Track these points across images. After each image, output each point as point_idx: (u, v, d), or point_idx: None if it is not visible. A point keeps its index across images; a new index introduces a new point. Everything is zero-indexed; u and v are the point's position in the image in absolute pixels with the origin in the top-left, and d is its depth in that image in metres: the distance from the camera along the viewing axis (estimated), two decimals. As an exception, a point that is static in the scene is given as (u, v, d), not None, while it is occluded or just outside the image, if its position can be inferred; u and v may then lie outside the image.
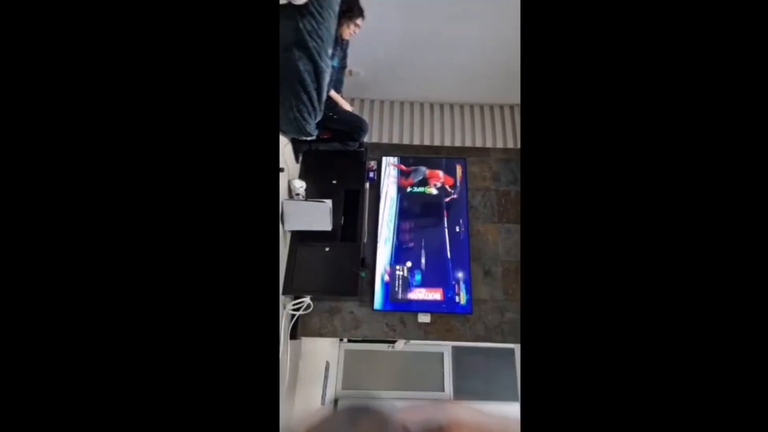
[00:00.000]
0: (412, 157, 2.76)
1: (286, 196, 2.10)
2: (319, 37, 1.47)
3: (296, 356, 2.31)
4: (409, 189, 2.67)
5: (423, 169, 2.68)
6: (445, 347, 3.22)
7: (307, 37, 1.43)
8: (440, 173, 2.68)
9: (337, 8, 1.57)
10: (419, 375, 3.19)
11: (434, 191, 2.63)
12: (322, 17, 1.45)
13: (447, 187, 2.65)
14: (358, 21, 1.93)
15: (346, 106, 2.26)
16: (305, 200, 2.11)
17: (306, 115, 1.63)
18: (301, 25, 1.41)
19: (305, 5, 1.39)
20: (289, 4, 1.36)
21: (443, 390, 3.14)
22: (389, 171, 2.70)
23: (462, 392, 3.13)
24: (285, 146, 2.03)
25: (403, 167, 2.69)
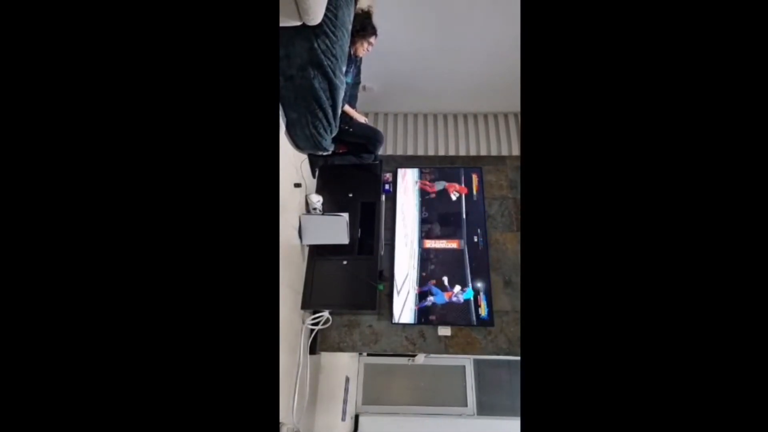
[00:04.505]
0: (429, 167, 2.76)
1: (304, 211, 2.13)
2: (333, 56, 1.50)
3: (316, 371, 2.31)
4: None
5: (443, 182, 2.73)
6: (467, 360, 3.16)
7: (322, 56, 1.47)
8: (456, 186, 2.71)
9: (350, 27, 1.60)
10: (441, 389, 3.13)
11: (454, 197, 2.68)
12: (336, 36, 1.49)
13: (464, 196, 2.66)
14: (372, 39, 1.97)
15: (361, 119, 2.29)
16: (322, 214, 2.12)
17: (322, 131, 1.67)
18: (315, 45, 1.45)
19: (319, 26, 1.43)
20: (304, 25, 1.40)
21: (466, 405, 3.06)
22: (409, 184, 2.71)
23: (485, 407, 3.04)
24: (302, 162, 2.07)
25: (426, 183, 2.74)
